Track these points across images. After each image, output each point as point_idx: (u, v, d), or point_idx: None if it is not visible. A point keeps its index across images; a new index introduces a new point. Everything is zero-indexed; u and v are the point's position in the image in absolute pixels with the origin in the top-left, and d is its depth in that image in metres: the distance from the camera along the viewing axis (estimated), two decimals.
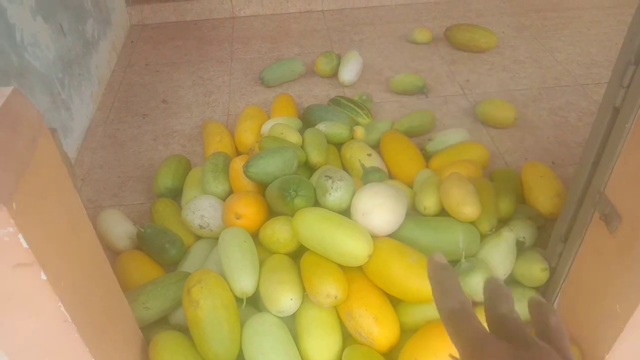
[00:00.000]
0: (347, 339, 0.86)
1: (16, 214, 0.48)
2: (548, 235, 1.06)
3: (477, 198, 0.90)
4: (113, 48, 1.75)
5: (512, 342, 0.27)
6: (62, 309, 0.57)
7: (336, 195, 0.91)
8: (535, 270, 0.89)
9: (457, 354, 0.28)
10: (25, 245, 0.51)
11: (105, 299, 0.71)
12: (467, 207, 0.88)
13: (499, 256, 0.89)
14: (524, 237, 0.96)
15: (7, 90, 0.53)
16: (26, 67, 1.15)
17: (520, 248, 0.95)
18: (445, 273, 0.31)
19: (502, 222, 1.00)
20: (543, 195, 1.07)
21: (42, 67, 1.23)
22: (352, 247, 0.83)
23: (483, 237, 0.93)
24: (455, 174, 0.95)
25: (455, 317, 0.28)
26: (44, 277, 0.53)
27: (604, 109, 0.73)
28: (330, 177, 0.92)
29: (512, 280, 0.94)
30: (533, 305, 0.32)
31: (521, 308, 0.89)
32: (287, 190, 0.92)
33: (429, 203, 0.94)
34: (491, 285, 0.32)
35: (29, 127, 0.54)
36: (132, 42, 1.87)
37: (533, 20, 1.93)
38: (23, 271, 0.53)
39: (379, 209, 0.86)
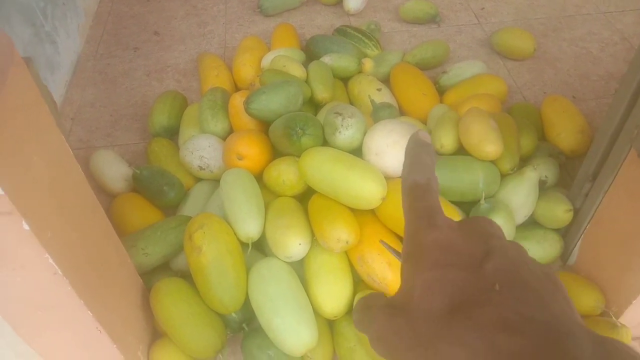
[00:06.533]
0: (358, 284, 0.82)
1: None
2: (569, 174, 1.01)
3: (499, 135, 0.83)
4: None
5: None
6: (50, 260, 0.51)
7: (347, 133, 0.83)
8: (559, 212, 0.84)
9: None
10: (1, 192, 0.44)
11: (100, 247, 0.65)
12: (489, 144, 0.81)
13: (521, 197, 0.84)
14: (546, 177, 0.90)
15: None
16: None
17: (542, 188, 0.89)
18: (423, 149, 0.28)
19: (522, 161, 0.94)
20: (566, 131, 1.00)
21: None
22: (365, 189, 0.77)
23: (503, 176, 0.87)
24: (475, 108, 0.88)
25: (416, 190, 0.26)
26: (26, 227, 0.47)
27: None
28: (340, 114, 0.84)
29: (533, 221, 0.89)
30: None
31: (544, 248, 0.86)
32: (293, 129, 0.85)
33: (446, 141, 0.87)
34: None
35: None
36: None
37: None
38: (2, 220, 0.47)
39: (394, 148, 0.80)
